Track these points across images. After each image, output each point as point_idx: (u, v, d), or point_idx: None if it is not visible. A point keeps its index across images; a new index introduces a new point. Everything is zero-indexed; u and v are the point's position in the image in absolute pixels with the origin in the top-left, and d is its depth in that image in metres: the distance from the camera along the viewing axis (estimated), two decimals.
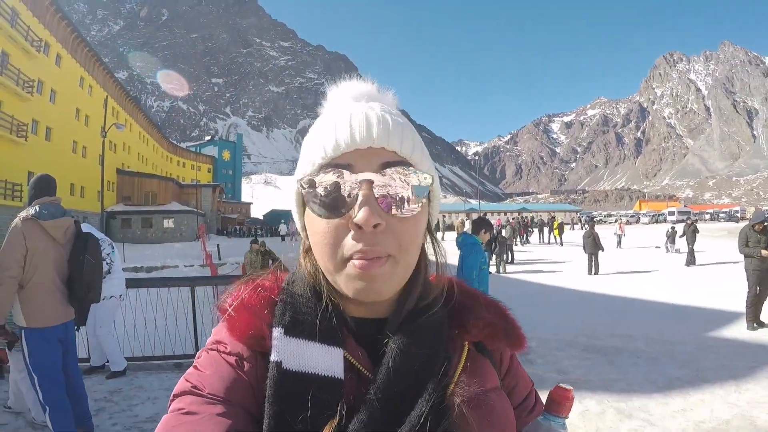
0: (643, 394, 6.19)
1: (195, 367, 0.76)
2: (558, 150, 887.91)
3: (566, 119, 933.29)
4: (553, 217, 41.75)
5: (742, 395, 5.94)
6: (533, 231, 41.56)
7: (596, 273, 17.98)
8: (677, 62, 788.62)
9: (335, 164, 0.73)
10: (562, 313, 11.33)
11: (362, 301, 0.76)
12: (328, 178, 0.73)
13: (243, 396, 0.72)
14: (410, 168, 0.76)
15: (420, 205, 0.76)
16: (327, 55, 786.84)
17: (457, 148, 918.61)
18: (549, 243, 36.07)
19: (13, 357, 4.47)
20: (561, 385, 0.79)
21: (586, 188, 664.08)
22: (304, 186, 0.76)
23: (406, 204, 0.74)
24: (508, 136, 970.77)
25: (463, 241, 6.93)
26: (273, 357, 0.72)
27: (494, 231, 18.84)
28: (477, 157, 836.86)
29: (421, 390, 0.73)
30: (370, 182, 0.72)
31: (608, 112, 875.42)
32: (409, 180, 0.75)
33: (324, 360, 0.73)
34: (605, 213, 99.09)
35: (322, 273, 0.79)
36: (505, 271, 19.19)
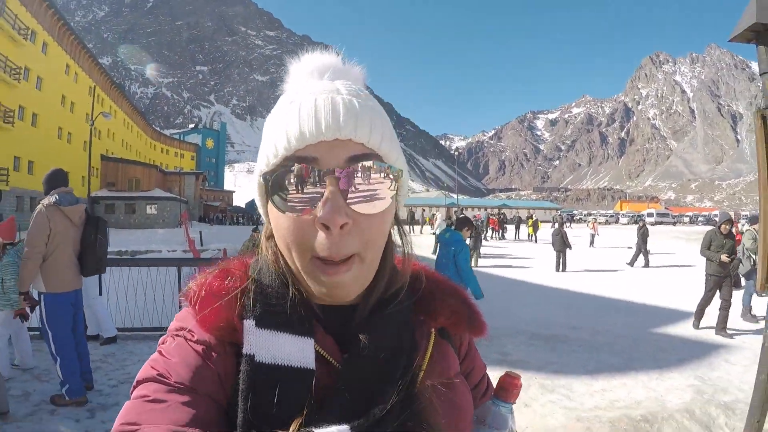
0: (571, 376, 6.66)
1: (160, 353, 0.75)
2: (542, 147, 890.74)
3: (551, 116, 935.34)
4: (530, 215, 42.32)
5: (662, 382, 6.27)
6: (507, 228, 41.90)
7: (563, 270, 18.35)
8: (663, 63, 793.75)
9: (299, 157, 0.70)
10: (521, 305, 11.60)
11: (320, 300, 0.77)
12: (292, 173, 0.70)
13: (210, 385, 0.71)
14: (379, 162, 0.74)
15: (388, 200, 0.74)
16: (312, 45, 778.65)
17: (441, 142, 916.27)
18: (523, 240, 36.59)
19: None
20: (510, 372, 0.81)
21: (569, 186, 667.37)
22: (268, 179, 0.73)
23: (374, 200, 0.72)
24: (493, 132, 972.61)
25: (451, 238, 7.43)
26: (245, 350, 0.71)
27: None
28: (460, 152, 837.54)
29: (390, 378, 0.74)
30: (337, 178, 0.69)
31: (593, 110, 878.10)
32: (378, 174, 0.73)
33: (296, 351, 0.72)
34: (586, 212, 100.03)
35: (285, 263, 0.78)
36: (476, 265, 19.28)
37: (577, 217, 65.35)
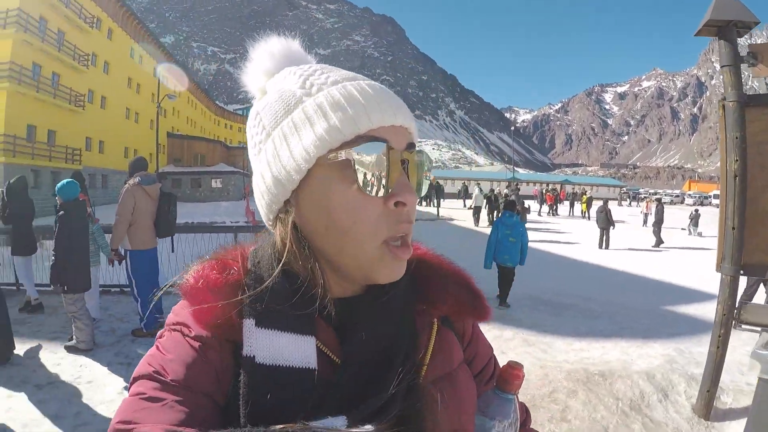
0: (556, 335, 7.03)
1: (157, 348, 0.74)
2: (610, 122, 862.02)
3: (620, 90, 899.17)
4: (584, 191, 41.34)
5: (641, 349, 6.46)
6: (562, 203, 41.06)
7: (606, 247, 18.35)
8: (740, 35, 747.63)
9: (374, 137, 0.70)
10: (547, 276, 11.90)
11: (379, 282, 0.75)
12: (372, 150, 0.69)
13: (207, 383, 0.69)
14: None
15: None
16: (374, 17, 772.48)
17: (506, 114, 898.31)
18: (577, 216, 35.75)
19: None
20: (512, 362, 0.79)
21: (638, 163, 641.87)
22: (338, 154, 0.69)
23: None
24: (559, 105, 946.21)
25: (517, 222, 9.05)
26: (245, 351, 0.69)
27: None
28: (525, 124, 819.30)
29: (390, 367, 0.73)
30: (406, 161, 0.72)
31: (664, 84, 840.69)
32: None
33: (297, 350, 0.71)
34: (652, 191, 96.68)
35: (318, 255, 0.75)
36: None
37: (642, 196, 63.28)
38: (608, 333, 7.36)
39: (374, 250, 0.71)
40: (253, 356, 0.69)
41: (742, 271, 4.33)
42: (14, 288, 8.60)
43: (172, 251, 7.36)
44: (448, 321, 0.91)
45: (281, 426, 0.54)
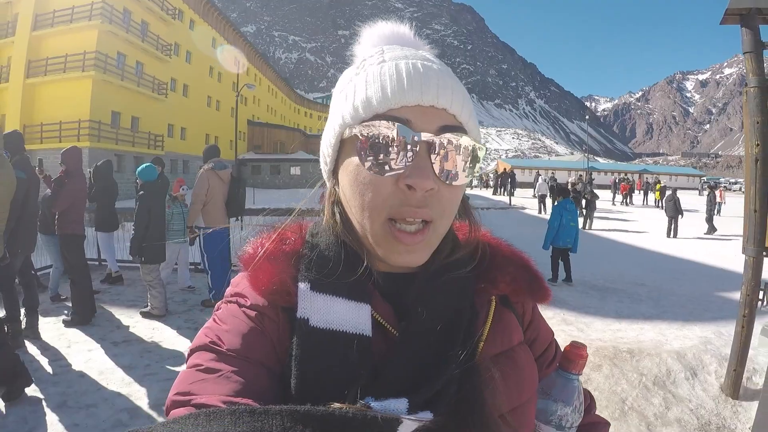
0: (596, 317, 7.06)
1: (214, 320, 0.75)
2: (691, 110, 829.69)
3: (701, 77, 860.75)
4: (658, 180, 40.59)
5: (677, 331, 6.44)
6: (638, 192, 40.18)
7: (674, 236, 18.01)
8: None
9: (393, 116, 0.69)
10: (606, 262, 12.01)
11: (390, 264, 0.74)
12: (384, 130, 0.68)
13: (263, 352, 0.69)
14: (466, 135, 0.73)
15: (469, 176, 0.74)
16: (452, 6, 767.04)
17: (586, 103, 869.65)
18: (651, 206, 34.57)
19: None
20: (575, 342, 0.79)
21: (720, 152, 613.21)
22: (353, 132, 0.71)
23: (458, 173, 0.72)
24: (640, 93, 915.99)
25: (574, 208, 9.47)
26: (300, 314, 0.70)
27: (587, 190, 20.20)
28: (606, 113, 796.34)
29: (449, 347, 0.71)
30: (429, 143, 0.69)
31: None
32: (465, 148, 0.72)
33: (352, 317, 0.70)
34: (733, 180, 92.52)
35: (351, 225, 0.77)
36: (590, 227, 19.74)
37: (723, 186, 60.74)
38: (649, 316, 7.34)
39: (379, 227, 0.71)
40: (307, 319, 0.69)
41: (765, 253, 4.37)
42: (97, 263, 9.48)
43: (241, 230, 7.70)
44: (507, 302, 0.89)
45: (341, 405, 0.53)
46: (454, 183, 0.71)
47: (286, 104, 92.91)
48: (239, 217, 7.87)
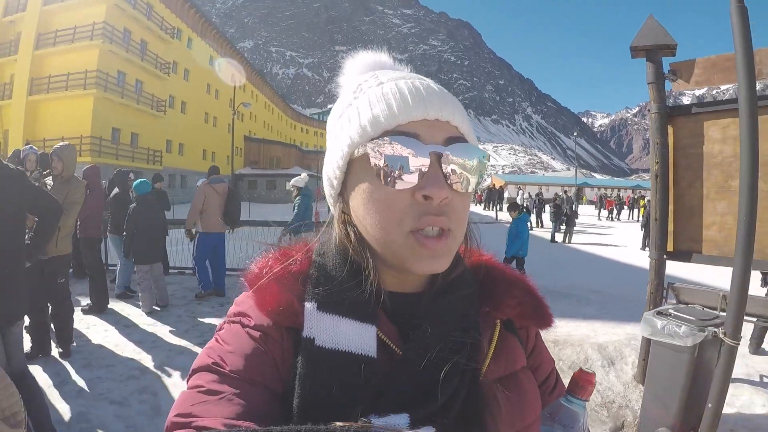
0: None
1: (216, 340, 0.75)
2: None
3: (698, 92, 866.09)
4: (642, 196, 41.40)
5: (609, 329, 6.84)
6: (623, 208, 40.20)
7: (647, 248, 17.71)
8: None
9: (402, 131, 0.71)
10: (578, 274, 12.31)
11: (415, 273, 0.74)
12: (395, 145, 0.69)
13: (266, 373, 0.69)
14: (471, 145, 0.75)
15: (476, 183, 0.76)
16: (450, 22, 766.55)
17: (582, 119, 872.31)
18: (636, 221, 34.11)
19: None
20: (584, 368, 0.77)
21: None
22: (364, 150, 0.72)
23: (466, 181, 0.73)
24: (636, 109, 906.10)
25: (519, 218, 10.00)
26: (306, 333, 0.70)
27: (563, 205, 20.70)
28: (603, 129, 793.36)
29: (453, 367, 0.72)
30: (439, 155, 0.71)
31: None
32: (471, 157, 0.74)
33: (358, 337, 0.71)
34: None
35: (368, 242, 0.76)
36: (570, 241, 20.19)
37: None
38: (590, 316, 7.82)
39: (402, 239, 0.71)
40: (313, 338, 0.69)
41: (665, 256, 4.96)
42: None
43: (231, 232, 8.94)
44: (511, 326, 0.90)
45: (342, 423, 0.53)
46: (464, 191, 0.74)
47: (283, 120, 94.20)
48: (233, 228, 8.90)
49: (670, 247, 4.97)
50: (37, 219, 3.76)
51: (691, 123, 4.76)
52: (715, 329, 3.55)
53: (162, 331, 6.66)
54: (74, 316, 5.88)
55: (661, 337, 3.80)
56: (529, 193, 37.92)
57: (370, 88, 0.76)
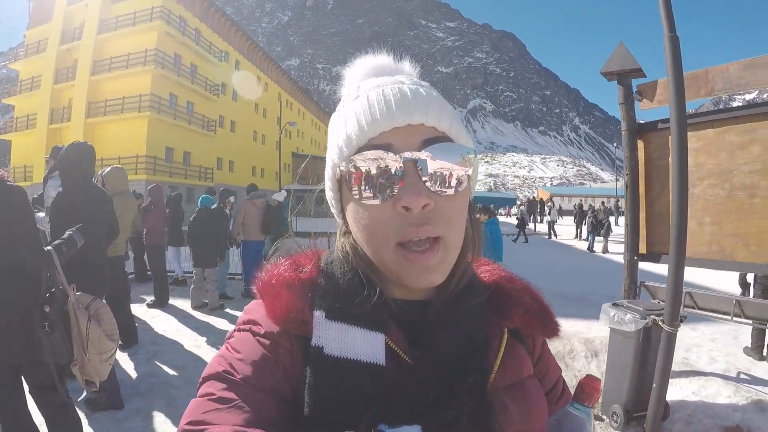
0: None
1: (227, 348, 0.75)
2: None
3: (748, 97, 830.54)
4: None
5: (602, 326, 6.27)
6: None
7: None
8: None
9: (374, 145, 0.70)
10: (597, 281, 12.16)
11: (412, 288, 0.74)
12: (367, 161, 0.69)
13: (276, 380, 0.70)
14: (452, 143, 0.73)
15: (465, 182, 0.74)
16: (494, 33, 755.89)
17: None
18: None
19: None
20: (590, 375, 0.79)
21: None
22: (342, 170, 0.73)
23: (451, 181, 0.71)
24: None
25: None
26: (314, 342, 0.70)
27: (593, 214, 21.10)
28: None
29: (461, 376, 0.72)
30: (414, 161, 0.69)
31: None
32: (453, 155, 0.72)
33: (366, 345, 0.71)
34: None
35: (364, 256, 0.76)
36: (606, 250, 20.37)
37: None
38: (587, 315, 7.98)
39: (391, 254, 0.71)
40: (322, 347, 0.70)
41: (636, 257, 5.44)
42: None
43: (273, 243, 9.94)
44: (518, 335, 0.90)
45: None
46: (451, 192, 0.71)
47: None
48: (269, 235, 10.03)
49: (642, 250, 5.42)
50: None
51: (658, 138, 5.24)
52: (655, 317, 4.10)
53: (214, 320, 8.01)
54: (140, 309, 7.54)
55: (613, 325, 4.40)
56: (553, 202, 37.96)
57: (346, 106, 0.77)
